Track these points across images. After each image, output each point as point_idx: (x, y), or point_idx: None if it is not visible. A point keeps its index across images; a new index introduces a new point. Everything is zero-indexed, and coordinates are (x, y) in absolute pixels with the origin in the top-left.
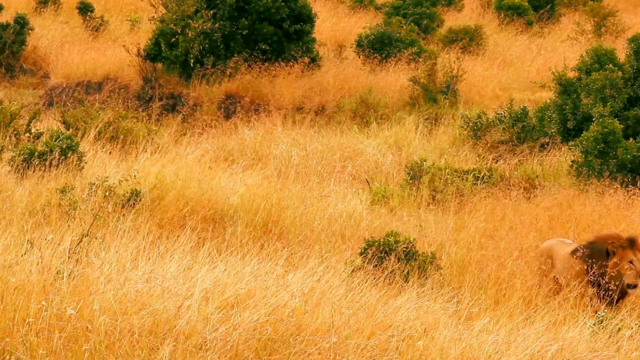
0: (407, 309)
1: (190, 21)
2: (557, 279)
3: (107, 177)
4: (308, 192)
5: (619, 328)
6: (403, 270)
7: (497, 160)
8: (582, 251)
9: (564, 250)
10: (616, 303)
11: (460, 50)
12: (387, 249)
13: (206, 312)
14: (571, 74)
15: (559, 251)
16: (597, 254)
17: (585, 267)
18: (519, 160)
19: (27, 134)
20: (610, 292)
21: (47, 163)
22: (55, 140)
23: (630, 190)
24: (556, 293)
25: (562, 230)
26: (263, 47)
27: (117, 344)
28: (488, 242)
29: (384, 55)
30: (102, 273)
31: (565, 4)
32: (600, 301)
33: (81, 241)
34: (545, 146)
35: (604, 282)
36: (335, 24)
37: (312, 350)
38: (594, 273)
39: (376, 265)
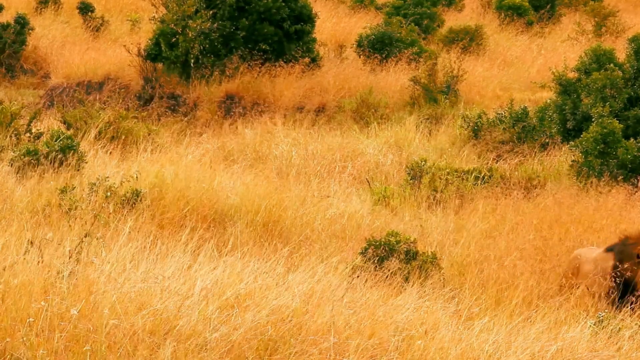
0: (407, 309)
1: (190, 21)
2: (580, 284)
3: (108, 177)
4: (308, 192)
5: (619, 328)
6: (403, 270)
7: (498, 160)
8: (615, 248)
9: (591, 254)
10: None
11: (460, 50)
12: (387, 248)
13: (207, 312)
14: (571, 74)
15: (586, 256)
16: (627, 254)
17: (613, 263)
18: (519, 160)
19: (28, 134)
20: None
21: (48, 163)
22: (55, 140)
23: (631, 191)
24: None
25: (562, 231)
26: (263, 47)
27: (119, 344)
28: (488, 242)
29: (384, 55)
30: (102, 273)
31: (566, 4)
32: (608, 298)
33: (82, 241)
34: (546, 146)
35: (615, 282)
36: (335, 24)
37: (312, 350)
38: (616, 270)
39: (377, 265)
